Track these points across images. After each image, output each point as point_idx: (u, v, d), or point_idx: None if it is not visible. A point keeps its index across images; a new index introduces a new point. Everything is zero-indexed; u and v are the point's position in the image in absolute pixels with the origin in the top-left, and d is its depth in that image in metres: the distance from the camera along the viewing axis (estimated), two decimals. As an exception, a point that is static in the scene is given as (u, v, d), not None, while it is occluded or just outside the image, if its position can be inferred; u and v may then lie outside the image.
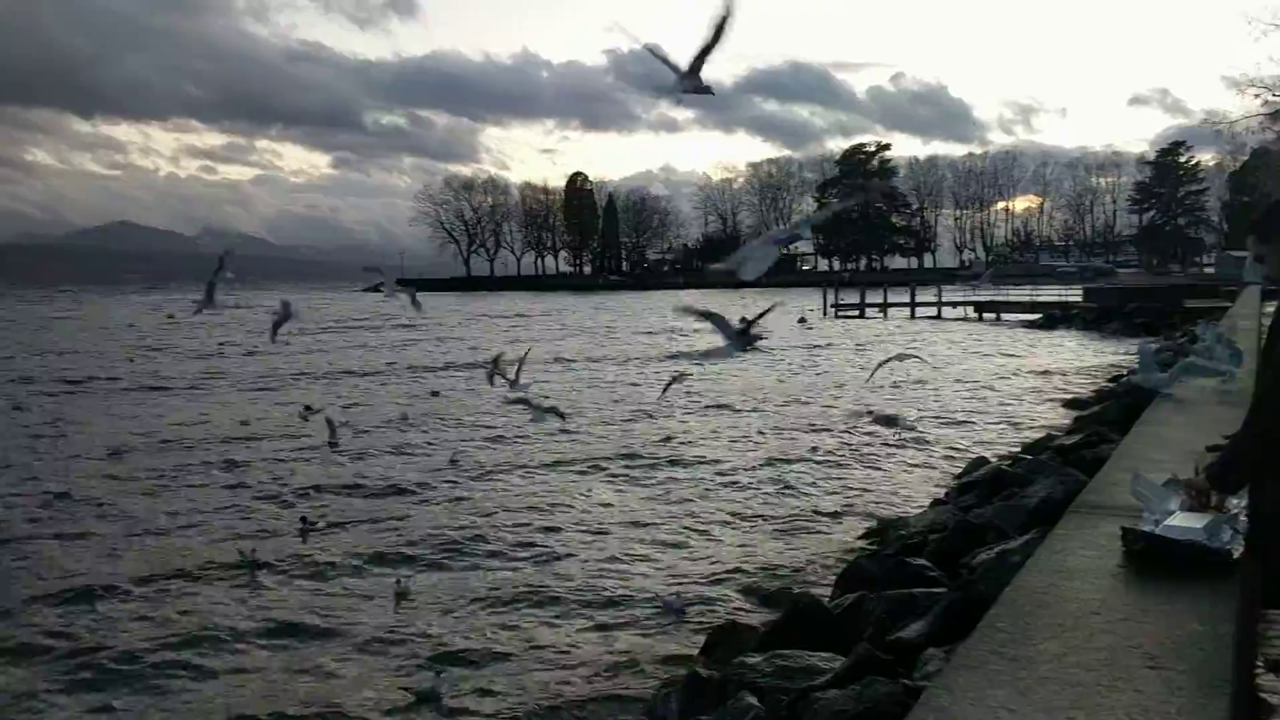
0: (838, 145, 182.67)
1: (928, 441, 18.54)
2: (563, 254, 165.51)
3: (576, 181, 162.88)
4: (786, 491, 14.40)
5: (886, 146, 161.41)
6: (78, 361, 36.56)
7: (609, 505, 13.72)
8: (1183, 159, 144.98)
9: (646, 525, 12.69)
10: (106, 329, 58.15)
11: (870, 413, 20.59)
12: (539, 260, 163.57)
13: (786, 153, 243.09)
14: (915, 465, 16.32)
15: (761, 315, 5.74)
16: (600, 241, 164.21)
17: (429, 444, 18.50)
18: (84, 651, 8.60)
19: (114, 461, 17.02)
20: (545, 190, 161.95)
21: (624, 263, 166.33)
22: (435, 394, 26.72)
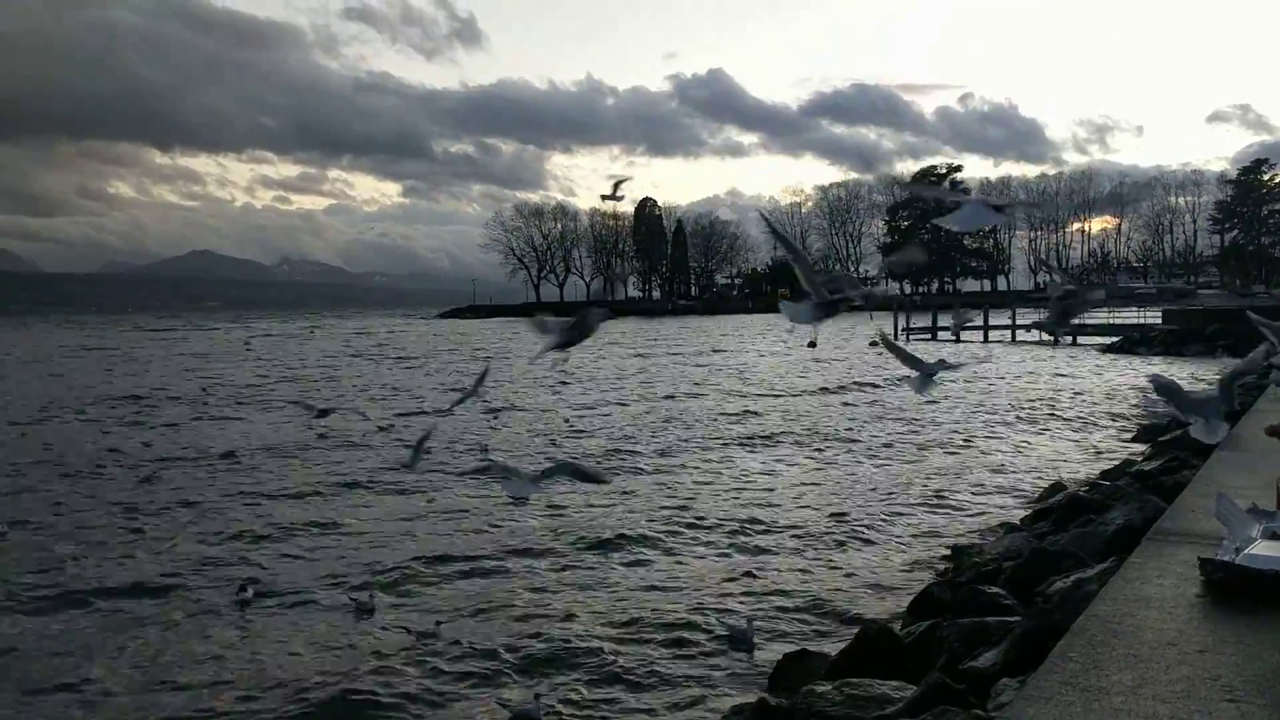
0: (907, 167, 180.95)
1: (1002, 466, 18.26)
2: (632, 279, 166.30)
3: (646, 207, 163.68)
4: (859, 518, 14.25)
5: (958, 168, 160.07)
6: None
7: (680, 531, 13.70)
8: (1266, 176, 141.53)
9: (718, 549, 12.66)
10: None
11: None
12: (607, 286, 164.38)
13: (854, 176, 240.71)
14: (989, 491, 16.08)
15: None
16: (669, 266, 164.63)
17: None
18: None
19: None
20: (614, 216, 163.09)
21: (693, 287, 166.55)
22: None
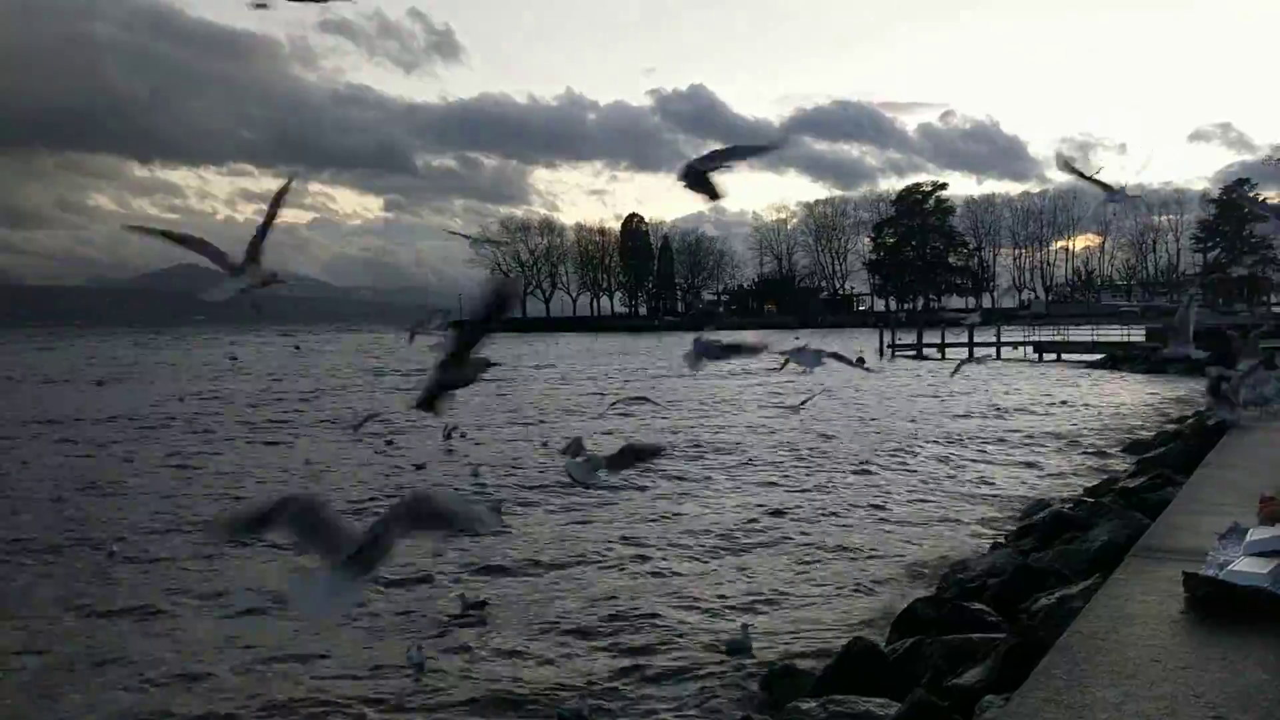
0: (891, 185, 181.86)
1: (987, 483, 18.30)
2: (618, 295, 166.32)
3: (632, 223, 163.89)
4: (843, 534, 14.25)
5: (943, 186, 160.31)
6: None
7: (663, 549, 13.66)
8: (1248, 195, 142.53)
9: (701, 565, 12.63)
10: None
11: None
12: (594, 301, 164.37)
13: (839, 193, 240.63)
14: (974, 508, 16.10)
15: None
16: (655, 282, 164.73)
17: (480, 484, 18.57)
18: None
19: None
20: (600, 231, 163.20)
21: (679, 303, 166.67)
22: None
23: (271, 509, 3.17)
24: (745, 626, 9.48)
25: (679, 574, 12.32)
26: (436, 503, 3.15)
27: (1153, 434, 23.27)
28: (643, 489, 17.87)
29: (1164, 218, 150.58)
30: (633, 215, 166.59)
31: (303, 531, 3.13)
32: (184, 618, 10.75)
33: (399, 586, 11.58)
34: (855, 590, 11.46)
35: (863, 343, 62.19)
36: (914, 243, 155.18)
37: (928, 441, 24.13)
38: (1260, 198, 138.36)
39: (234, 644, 9.87)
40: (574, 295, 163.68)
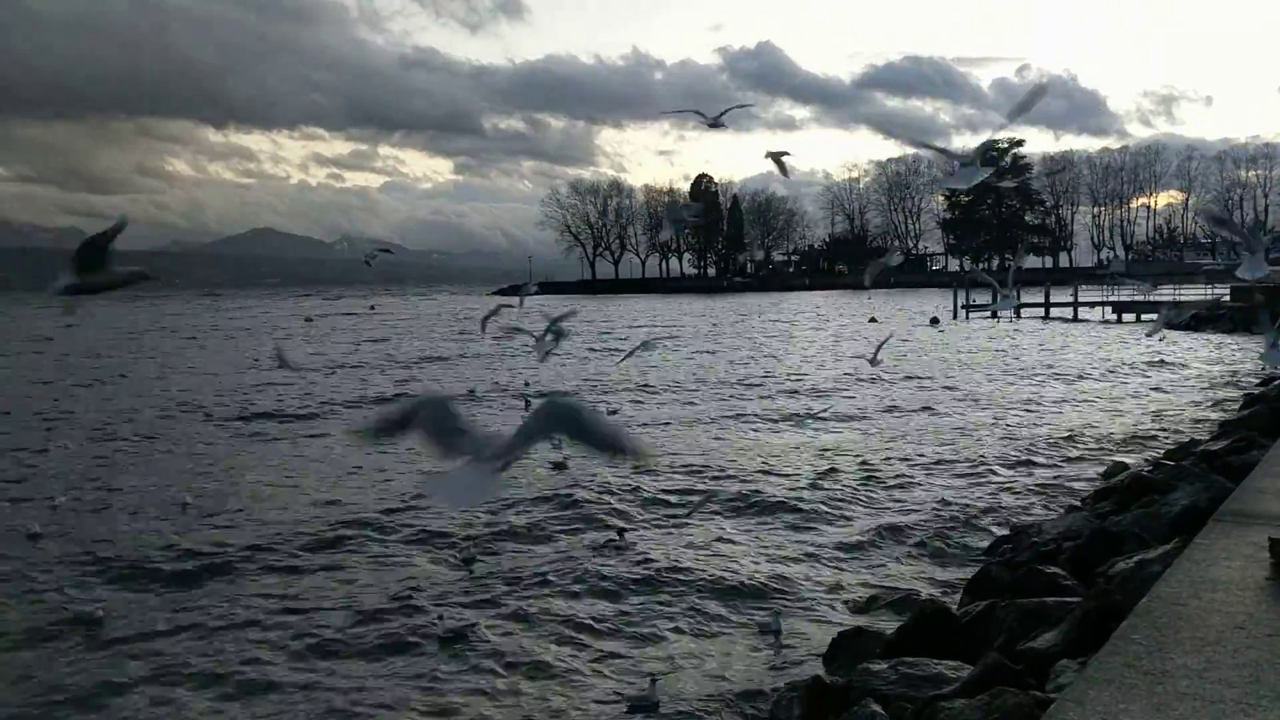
0: (965, 141, 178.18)
1: (1063, 445, 17.96)
2: (687, 256, 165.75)
3: (701, 183, 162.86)
4: (916, 495, 14.12)
5: (1020, 142, 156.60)
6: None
7: (729, 505, 13.67)
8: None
9: (768, 524, 12.61)
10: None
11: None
12: (663, 262, 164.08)
13: (910, 150, 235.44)
14: (1050, 470, 15.83)
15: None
16: (725, 243, 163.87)
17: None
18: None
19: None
20: (669, 192, 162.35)
21: (749, 264, 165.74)
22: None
23: (408, 411, 3.19)
24: (777, 613, 9.24)
25: (740, 531, 12.30)
26: (583, 417, 3.04)
27: (1236, 395, 22.67)
28: (696, 444, 17.88)
29: (1252, 173, 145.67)
30: (701, 175, 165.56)
31: (437, 432, 3.13)
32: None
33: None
34: (926, 552, 11.36)
35: (937, 303, 61.34)
36: (989, 201, 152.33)
37: (999, 402, 23.77)
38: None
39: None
40: (643, 257, 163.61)
